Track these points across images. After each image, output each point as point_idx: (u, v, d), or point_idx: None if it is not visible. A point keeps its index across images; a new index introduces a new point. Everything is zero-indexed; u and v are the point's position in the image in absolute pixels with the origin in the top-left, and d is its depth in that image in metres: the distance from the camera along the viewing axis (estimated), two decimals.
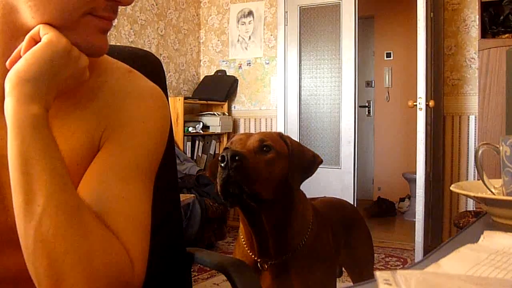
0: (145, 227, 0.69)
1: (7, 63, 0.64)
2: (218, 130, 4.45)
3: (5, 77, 0.65)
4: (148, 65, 1.00)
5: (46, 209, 0.59)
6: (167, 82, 5.10)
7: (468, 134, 3.80)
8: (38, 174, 0.59)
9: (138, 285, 0.65)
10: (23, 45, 0.64)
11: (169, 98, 4.56)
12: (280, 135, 1.37)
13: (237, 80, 4.74)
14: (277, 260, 1.33)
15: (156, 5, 4.42)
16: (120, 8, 0.73)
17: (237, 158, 1.16)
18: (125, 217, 0.66)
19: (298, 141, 4.41)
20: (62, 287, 0.59)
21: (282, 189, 1.29)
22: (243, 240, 1.39)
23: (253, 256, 1.35)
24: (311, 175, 1.37)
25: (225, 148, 1.24)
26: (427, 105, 3.31)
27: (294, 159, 1.31)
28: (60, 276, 0.59)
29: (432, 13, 3.49)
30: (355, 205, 3.83)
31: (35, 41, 0.64)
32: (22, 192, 0.59)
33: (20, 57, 0.64)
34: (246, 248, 1.37)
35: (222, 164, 1.17)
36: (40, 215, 0.59)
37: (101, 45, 0.69)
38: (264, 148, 1.26)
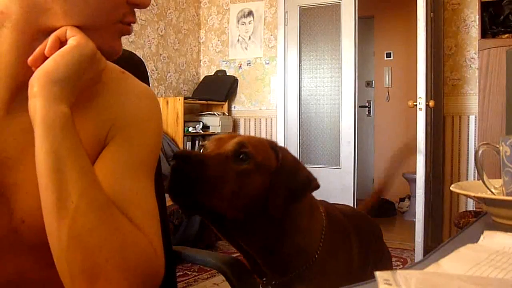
0: (158, 220, 0.72)
1: (29, 60, 0.65)
2: (218, 130, 4.44)
3: (21, 76, 0.65)
4: (133, 66, 1.00)
5: (79, 206, 0.61)
6: (167, 82, 5.07)
7: (468, 134, 3.80)
8: (69, 172, 0.61)
9: (163, 274, 0.68)
10: (48, 44, 0.65)
11: (169, 98, 4.56)
12: (271, 144, 1.08)
13: (237, 80, 4.74)
14: (280, 280, 1.12)
15: (156, 5, 4.41)
16: None
17: (192, 160, 0.92)
18: (143, 212, 0.69)
19: (298, 141, 4.44)
20: (98, 280, 0.60)
21: (262, 210, 1.01)
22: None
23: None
24: (299, 201, 1.08)
25: (200, 146, 1.07)
26: (427, 105, 3.31)
27: (280, 176, 1.03)
28: (95, 270, 0.60)
29: (432, 13, 3.49)
30: (355, 205, 3.83)
31: (61, 41, 0.65)
32: (55, 190, 0.60)
33: (43, 55, 0.64)
34: None
35: (171, 166, 0.91)
36: (74, 212, 0.60)
37: (119, 49, 0.72)
38: (241, 156, 0.99)
